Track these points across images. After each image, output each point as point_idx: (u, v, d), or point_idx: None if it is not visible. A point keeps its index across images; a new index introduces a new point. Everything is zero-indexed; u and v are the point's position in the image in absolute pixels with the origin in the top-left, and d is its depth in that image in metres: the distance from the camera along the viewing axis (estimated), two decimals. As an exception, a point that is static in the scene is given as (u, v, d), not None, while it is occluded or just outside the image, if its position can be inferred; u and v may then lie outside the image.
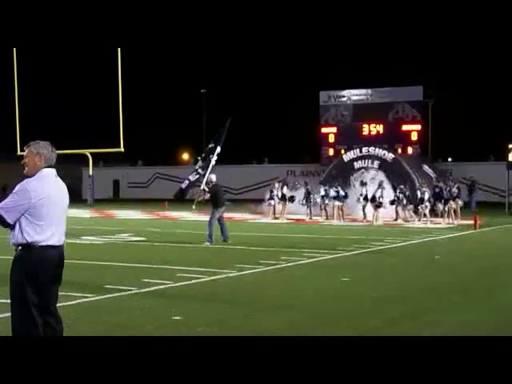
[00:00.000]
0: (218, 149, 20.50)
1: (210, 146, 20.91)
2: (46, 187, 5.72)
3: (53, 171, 5.87)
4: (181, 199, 21.18)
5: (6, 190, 50.90)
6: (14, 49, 40.13)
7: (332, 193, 30.29)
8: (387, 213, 29.78)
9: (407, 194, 29.39)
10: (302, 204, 31.93)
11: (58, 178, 5.93)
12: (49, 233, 5.68)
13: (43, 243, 5.65)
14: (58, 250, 5.77)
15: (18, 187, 5.68)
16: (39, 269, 5.63)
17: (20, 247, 5.71)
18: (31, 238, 5.63)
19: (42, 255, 5.65)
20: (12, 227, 5.68)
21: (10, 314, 5.89)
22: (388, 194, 29.52)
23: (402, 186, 30.20)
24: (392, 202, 29.37)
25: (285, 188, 32.19)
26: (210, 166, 20.40)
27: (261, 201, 34.84)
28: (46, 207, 5.66)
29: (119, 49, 38.21)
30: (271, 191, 32.37)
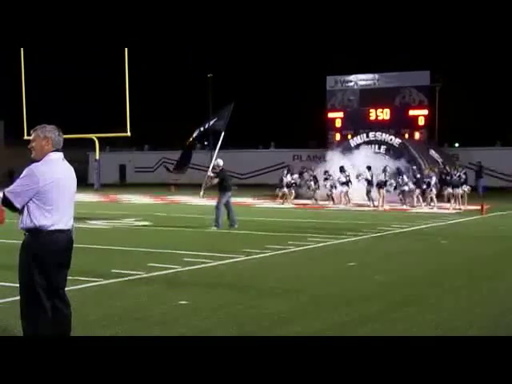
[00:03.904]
0: (222, 134, 20.58)
1: (210, 125, 20.89)
2: (53, 171, 5.70)
3: (60, 155, 5.85)
4: (179, 169, 21.45)
5: (14, 174, 51.05)
6: (22, 48, 40.15)
7: (342, 178, 30.26)
8: (393, 198, 29.79)
9: (417, 176, 29.36)
10: (313, 189, 31.85)
11: (66, 162, 5.91)
12: (57, 217, 5.68)
13: (51, 227, 5.65)
14: (65, 234, 5.77)
15: (25, 171, 5.66)
16: (47, 253, 5.64)
17: (28, 232, 5.72)
18: (39, 222, 5.63)
19: (50, 239, 5.65)
20: (20, 212, 5.69)
21: (18, 297, 5.93)
22: (393, 178, 29.52)
23: (414, 168, 30.26)
24: (395, 187, 29.37)
25: (289, 176, 32.25)
26: (216, 152, 20.45)
27: (272, 186, 34.99)
28: (54, 192, 5.65)
29: (126, 49, 38.21)
30: (281, 178, 32.59)
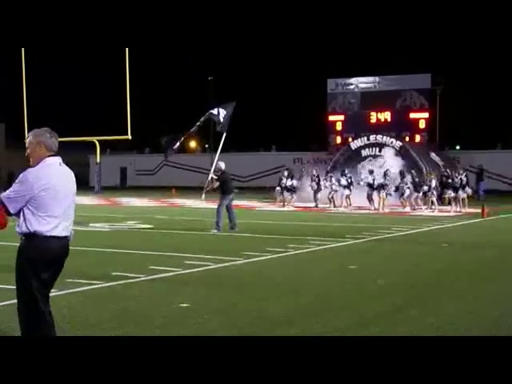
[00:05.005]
0: (224, 136, 20.54)
1: (210, 116, 20.77)
2: (48, 177, 5.58)
3: (57, 159, 5.72)
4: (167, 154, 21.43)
5: (13, 176, 50.88)
6: (23, 49, 40.17)
7: (343, 181, 30.20)
8: (394, 200, 29.80)
9: (416, 180, 29.37)
10: (314, 191, 31.82)
11: (64, 166, 5.79)
12: (52, 224, 5.57)
13: (46, 233, 5.55)
14: (61, 241, 5.65)
15: (20, 177, 5.57)
16: (41, 258, 5.55)
17: (24, 236, 5.63)
18: (33, 228, 5.53)
19: (44, 245, 5.55)
20: (17, 216, 5.64)
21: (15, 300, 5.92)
22: (393, 181, 29.51)
23: (412, 172, 30.27)
24: (397, 189, 29.38)
25: (294, 180, 32.22)
26: (217, 154, 20.44)
27: (271, 188, 35.04)
28: (49, 198, 5.54)
29: (127, 49, 38.24)
30: (280, 179, 32.60)
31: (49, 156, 5.70)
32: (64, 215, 5.68)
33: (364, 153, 36.99)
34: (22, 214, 5.59)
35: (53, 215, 5.59)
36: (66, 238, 5.72)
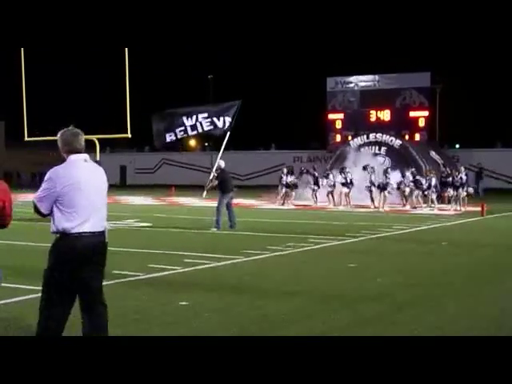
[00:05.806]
0: (228, 134, 20.51)
1: (209, 115, 20.67)
2: (72, 174, 5.61)
3: (82, 156, 5.75)
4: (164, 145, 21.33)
5: (9, 176, 50.83)
6: (22, 49, 40.15)
7: (340, 179, 30.19)
8: (394, 199, 29.77)
9: (417, 177, 29.35)
10: (313, 189, 31.83)
11: (91, 163, 5.82)
12: (80, 220, 5.57)
13: (74, 230, 5.56)
14: (93, 237, 5.65)
15: (46, 176, 5.63)
16: (69, 256, 5.57)
17: (56, 234, 5.66)
18: (62, 225, 5.56)
19: (74, 243, 5.56)
20: (50, 216, 5.67)
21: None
22: (394, 180, 29.48)
23: (413, 170, 30.22)
24: (398, 187, 29.36)
25: (292, 176, 32.19)
26: (220, 153, 20.41)
27: (269, 187, 34.93)
28: (74, 194, 5.56)
29: (126, 49, 38.23)
30: (280, 177, 32.55)
31: (73, 154, 5.74)
32: (92, 211, 5.67)
33: (363, 151, 36.96)
34: (52, 212, 5.62)
35: (79, 211, 5.59)
36: (98, 234, 5.72)
